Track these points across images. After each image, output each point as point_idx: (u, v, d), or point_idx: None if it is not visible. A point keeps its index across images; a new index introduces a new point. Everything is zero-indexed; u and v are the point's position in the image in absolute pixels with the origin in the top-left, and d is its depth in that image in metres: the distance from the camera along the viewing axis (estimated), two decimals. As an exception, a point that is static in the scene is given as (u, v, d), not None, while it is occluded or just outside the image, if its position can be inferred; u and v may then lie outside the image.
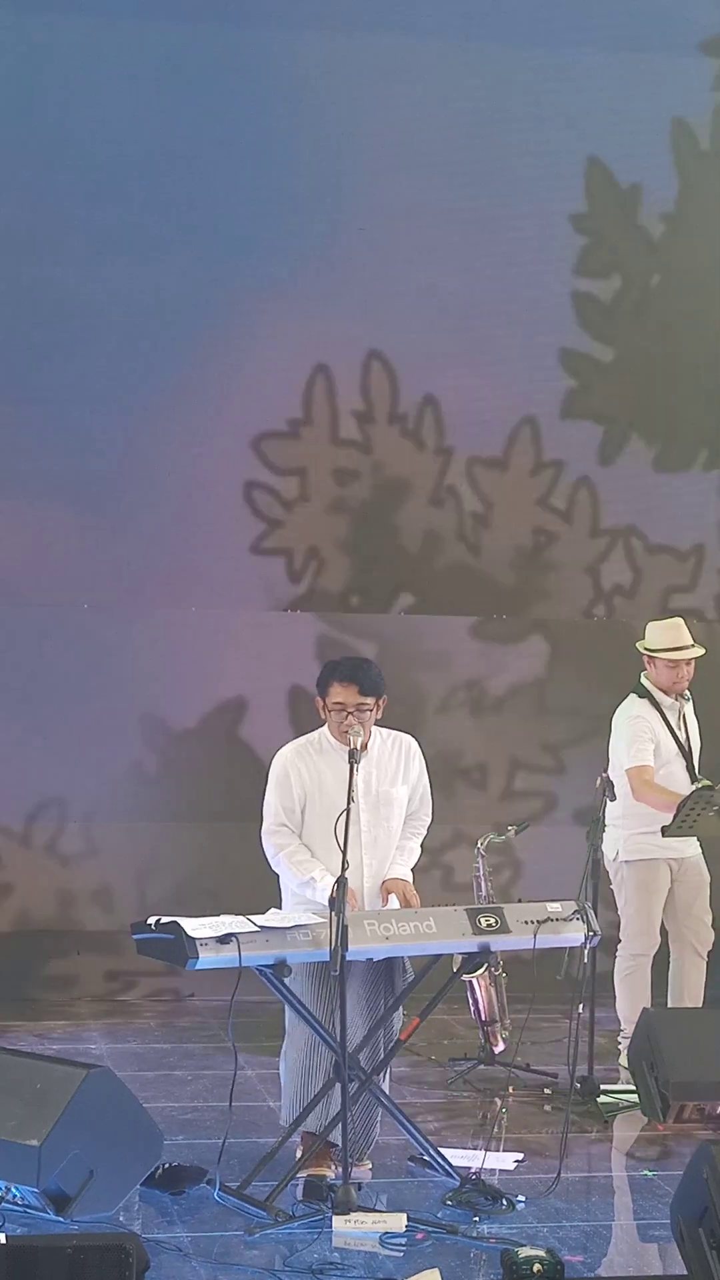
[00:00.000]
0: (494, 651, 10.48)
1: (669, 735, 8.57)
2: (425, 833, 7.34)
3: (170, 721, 10.17)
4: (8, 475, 9.97)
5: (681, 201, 10.58)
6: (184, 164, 10.09)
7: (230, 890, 8.87)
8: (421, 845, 7.32)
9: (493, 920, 6.96)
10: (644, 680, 8.65)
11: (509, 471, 10.49)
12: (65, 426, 10.01)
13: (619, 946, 8.61)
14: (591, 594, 10.59)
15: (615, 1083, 8.28)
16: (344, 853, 6.65)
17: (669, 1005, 8.56)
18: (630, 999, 8.54)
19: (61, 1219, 6.37)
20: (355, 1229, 6.41)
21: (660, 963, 8.66)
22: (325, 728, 7.19)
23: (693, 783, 8.52)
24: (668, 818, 8.36)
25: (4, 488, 9.97)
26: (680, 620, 8.73)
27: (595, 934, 7.12)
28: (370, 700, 7.08)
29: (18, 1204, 6.47)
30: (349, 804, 6.74)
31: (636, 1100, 7.95)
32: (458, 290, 10.34)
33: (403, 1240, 6.37)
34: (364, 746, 6.99)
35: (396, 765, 7.20)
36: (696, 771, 8.58)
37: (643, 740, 8.52)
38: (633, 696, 8.64)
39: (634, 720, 8.57)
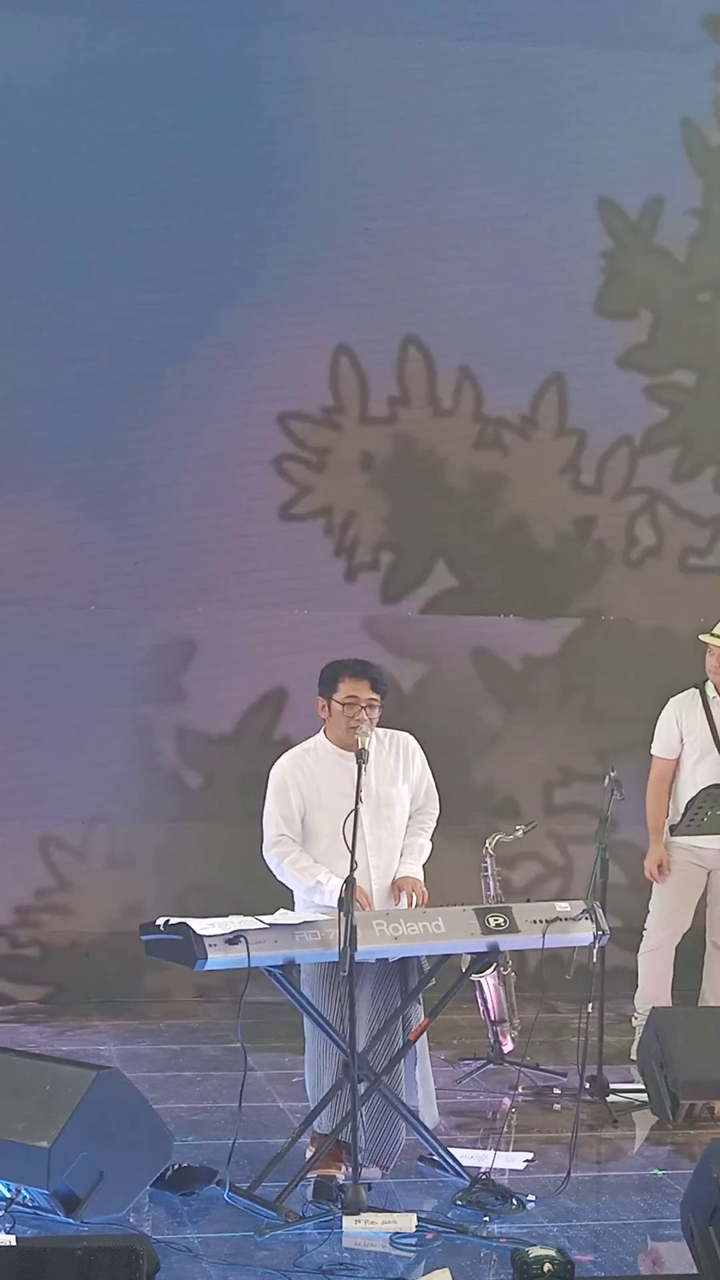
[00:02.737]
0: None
1: (705, 729, 8.59)
2: (435, 825, 7.33)
3: (178, 722, 10.17)
4: (15, 476, 9.97)
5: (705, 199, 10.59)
6: (190, 163, 10.08)
7: (240, 891, 8.85)
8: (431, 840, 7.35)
9: (501, 920, 6.96)
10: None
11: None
12: (74, 427, 10.00)
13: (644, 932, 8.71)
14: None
15: (626, 1081, 8.28)
16: (352, 853, 6.66)
17: (700, 1002, 8.60)
18: (644, 984, 8.60)
19: (71, 1220, 6.37)
20: (365, 1229, 6.41)
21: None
22: (321, 734, 7.21)
23: None
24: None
25: (11, 488, 9.97)
26: None
27: (604, 933, 7.12)
28: (379, 697, 7.11)
29: (28, 1206, 6.48)
30: (356, 804, 6.74)
31: (646, 1099, 7.95)
32: (465, 292, 10.33)
33: (413, 1240, 6.37)
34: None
35: (395, 764, 7.21)
36: None
37: (661, 730, 8.70)
38: (690, 688, 8.74)
39: (664, 711, 8.73)
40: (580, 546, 10.49)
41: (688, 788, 8.61)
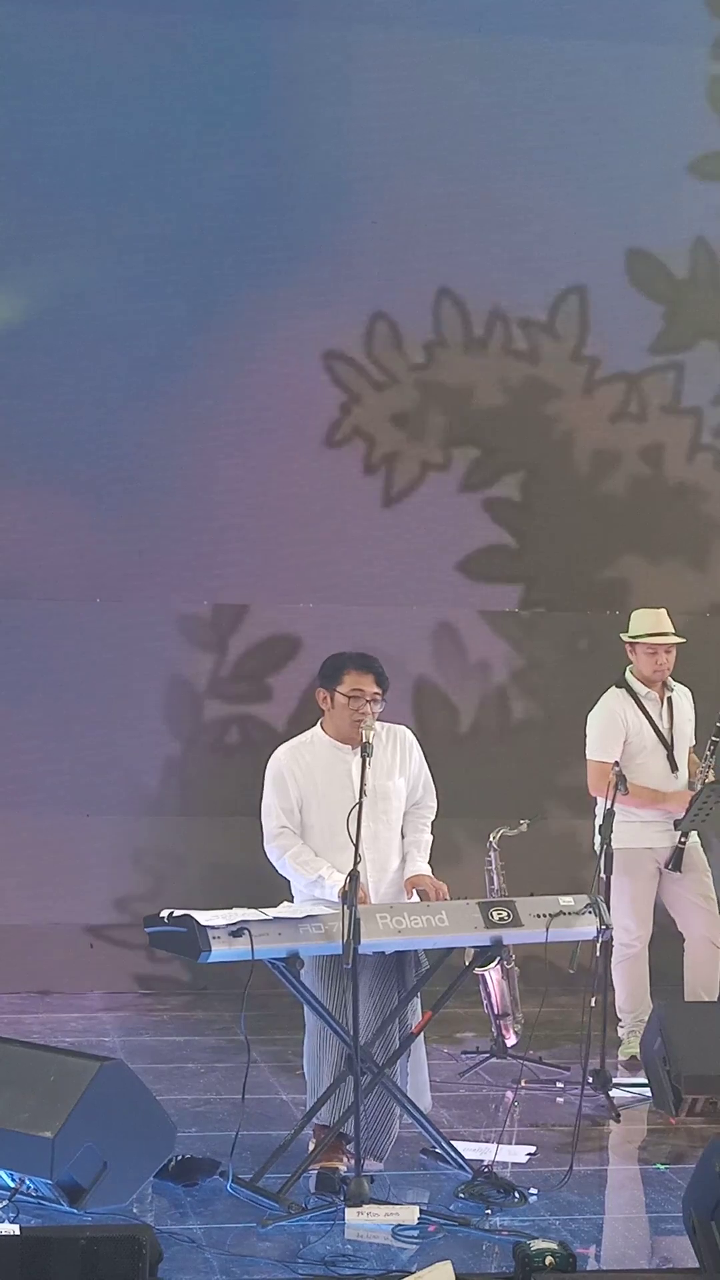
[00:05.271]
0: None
1: (647, 726, 8.61)
2: (433, 816, 7.34)
3: (184, 715, 10.19)
4: (20, 469, 9.98)
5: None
6: (190, 156, 10.09)
7: (244, 884, 8.87)
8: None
9: (505, 914, 6.96)
10: (627, 672, 8.71)
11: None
12: (78, 419, 10.02)
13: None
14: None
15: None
16: (356, 846, 6.66)
17: (685, 996, 8.59)
18: (623, 988, 8.62)
19: (75, 1210, 6.39)
20: (368, 1221, 6.42)
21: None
22: (318, 726, 7.22)
23: (673, 772, 8.57)
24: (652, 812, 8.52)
25: (16, 481, 9.98)
26: (663, 610, 8.77)
27: (607, 927, 7.13)
28: (382, 691, 7.12)
29: (31, 1195, 6.49)
30: (360, 797, 6.75)
31: (649, 1093, 7.96)
32: (469, 286, 10.34)
33: (415, 1233, 6.37)
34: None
35: (393, 758, 7.21)
36: (676, 762, 8.60)
37: (607, 734, 8.60)
38: (612, 688, 8.70)
39: (604, 713, 8.67)
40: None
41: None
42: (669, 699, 8.70)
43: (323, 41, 10.11)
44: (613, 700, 8.68)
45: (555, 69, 10.30)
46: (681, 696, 8.77)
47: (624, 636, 8.76)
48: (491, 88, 10.27)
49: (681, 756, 8.65)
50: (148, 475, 10.10)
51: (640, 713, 8.63)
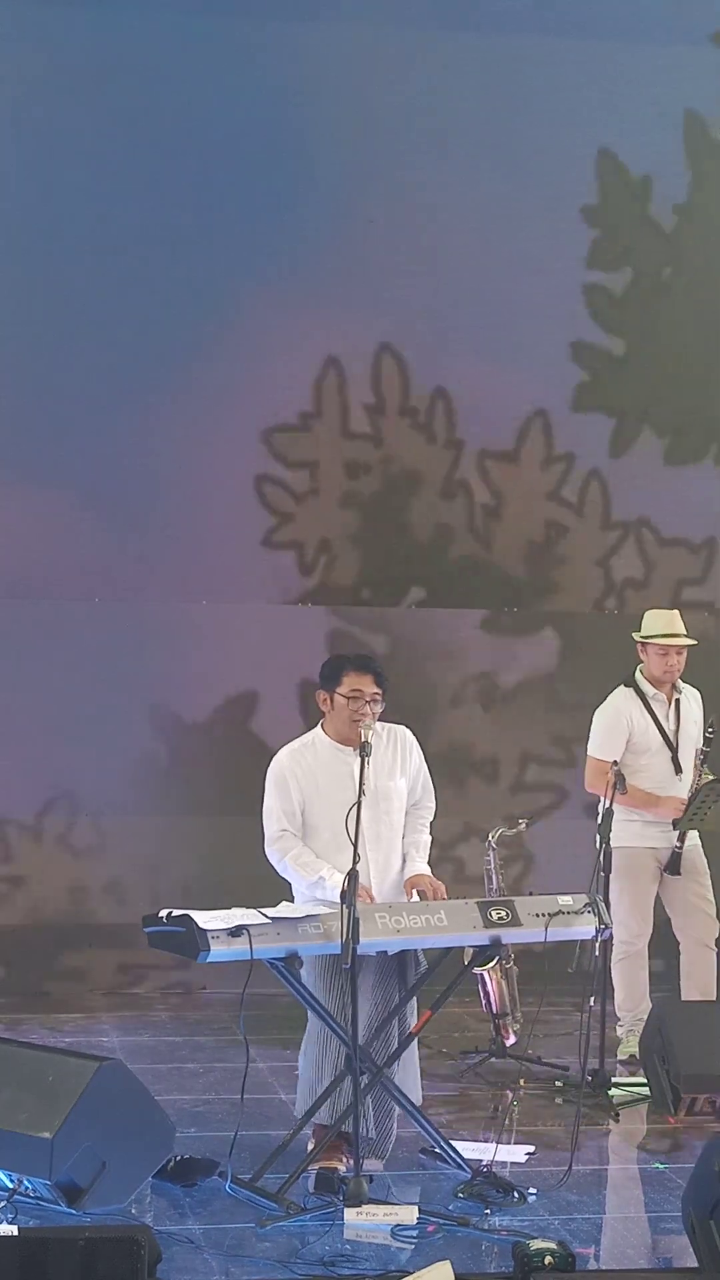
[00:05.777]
0: (505, 645, 10.50)
1: (653, 727, 8.61)
2: (431, 817, 7.34)
3: (181, 715, 10.19)
4: (19, 468, 9.98)
5: (693, 192, 10.60)
6: (189, 157, 10.09)
7: (242, 883, 8.86)
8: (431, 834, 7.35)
9: (504, 913, 6.96)
10: (637, 671, 8.71)
11: (520, 464, 10.53)
12: (76, 419, 10.02)
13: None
14: (603, 587, 10.60)
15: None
16: (355, 845, 6.66)
17: (681, 998, 8.58)
18: (623, 988, 8.62)
19: (73, 1211, 6.38)
20: (367, 1221, 6.41)
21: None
22: (319, 728, 7.22)
23: (677, 774, 8.58)
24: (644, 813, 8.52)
25: (15, 481, 9.98)
26: (676, 612, 8.78)
27: (606, 927, 7.12)
28: (381, 691, 7.12)
29: (30, 1196, 6.49)
30: (360, 797, 6.75)
31: (648, 1093, 7.96)
32: (468, 283, 10.34)
33: (414, 1232, 6.37)
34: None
35: (394, 758, 7.21)
36: (681, 764, 8.61)
37: (611, 733, 8.61)
38: (620, 687, 8.70)
39: (610, 711, 8.68)
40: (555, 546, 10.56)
41: (647, 786, 8.58)
42: (676, 701, 8.70)
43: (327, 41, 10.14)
44: (620, 699, 8.68)
45: (555, 68, 10.33)
46: (690, 699, 8.76)
47: (636, 636, 8.75)
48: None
49: (686, 759, 8.64)
50: (146, 477, 10.10)
51: (646, 713, 8.63)
